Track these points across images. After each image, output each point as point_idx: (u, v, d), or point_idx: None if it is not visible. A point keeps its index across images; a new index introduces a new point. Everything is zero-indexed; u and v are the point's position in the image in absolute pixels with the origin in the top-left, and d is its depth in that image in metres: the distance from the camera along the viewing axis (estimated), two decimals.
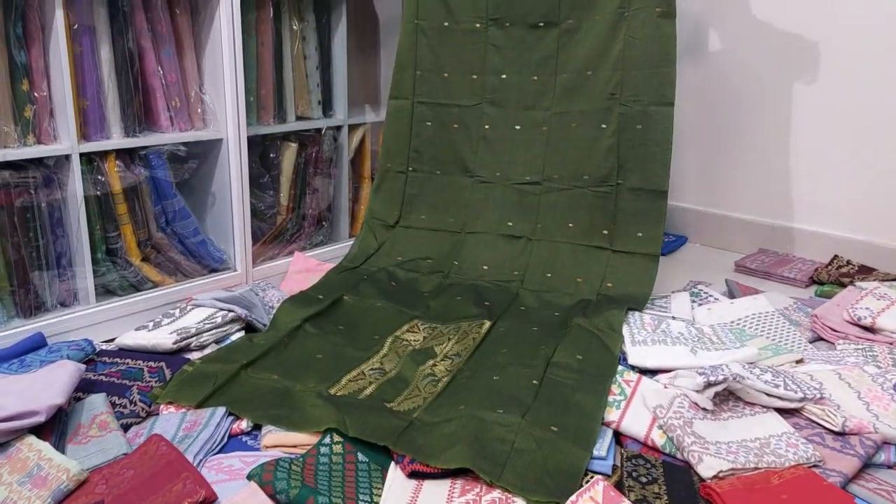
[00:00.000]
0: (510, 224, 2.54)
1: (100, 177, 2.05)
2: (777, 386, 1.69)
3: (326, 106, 2.68)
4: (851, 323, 2.15)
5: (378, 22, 2.97)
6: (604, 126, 2.41)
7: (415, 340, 2.07)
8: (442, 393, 1.79)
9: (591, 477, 1.46)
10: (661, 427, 1.61)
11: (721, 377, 1.65)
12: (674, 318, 2.21)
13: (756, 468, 1.47)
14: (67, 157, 1.97)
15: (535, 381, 1.81)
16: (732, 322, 2.20)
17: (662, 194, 2.37)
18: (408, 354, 1.98)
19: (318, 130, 2.64)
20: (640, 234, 2.39)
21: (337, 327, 2.13)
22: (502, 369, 1.88)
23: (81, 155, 1.99)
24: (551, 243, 2.49)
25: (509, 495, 1.40)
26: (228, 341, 2.03)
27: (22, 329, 1.94)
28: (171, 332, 1.98)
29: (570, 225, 2.47)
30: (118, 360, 1.90)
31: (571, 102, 2.47)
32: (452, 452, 1.50)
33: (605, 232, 2.42)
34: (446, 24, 2.55)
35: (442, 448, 1.52)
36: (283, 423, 1.62)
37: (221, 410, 1.67)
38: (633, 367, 1.90)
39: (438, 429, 1.60)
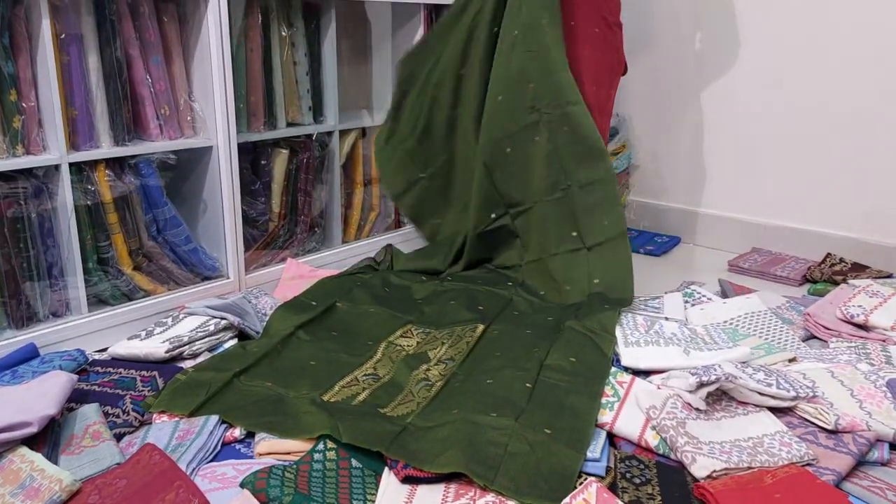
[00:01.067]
0: (497, 261, 2.66)
1: (90, 186, 2.04)
2: (770, 385, 1.69)
3: (317, 111, 2.67)
4: (844, 321, 2.16)
5: (369, 27, 2.96)
6: (537, 139, 2.44)
7: (408, 346, 2.06)
8: (435, 398, 1.79)
9: (585, 479, 1.46)
10: (654, 428, 1.61)
11: (714, 377, 1.66)
12: (667, 318, 2.21)
13: (749, 467, 1.48)
14: (57, 167, 1.96)
15: (528, 385, 1.81)
16: (725, 322, 2.20)
17: (610, 180, 2.37)
18: (401, 360, 1.97)
19: (309, 136, 2.63)
20: (606, 223, 2.38)
21: (330, 333, 2.13)
22: (496, 373, 1.88)
23: (71, 165, 1.99)
24: (536, 263, 2.52)
25: (503, 499, 1.40)
26: (221, 349, 2.03)
27: (14, 340, 1.93)
28: (164, 341, 1.97)
29: (541, 241, 2.50)
30: (111, 369, 1.90)
31: (500, 128, 2.51)
32: (446, 457, 1.49)
33: (575, 234, 2.43)
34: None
35: (435, 453, 1.51)
36: (277, 431, 1.62)
37: (214, 419, 1.66)
38: (626, 369, 1.90)
39: (432, 433, 1.60)
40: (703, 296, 2.42)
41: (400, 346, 2.06)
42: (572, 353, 1.98)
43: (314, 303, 2.27)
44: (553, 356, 1.96)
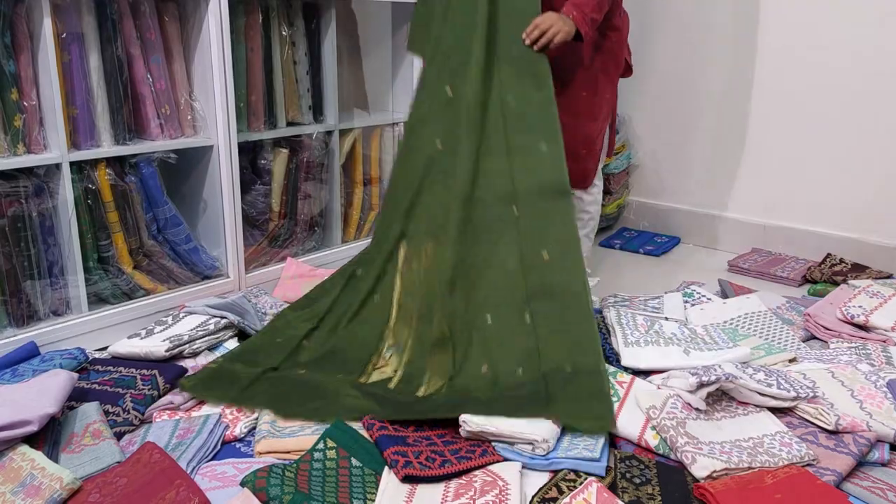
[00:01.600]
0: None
1: (90, 185, 2.04)
2: (770, 385, 1.69)
3: (317, 111, 2.67)
4: (844, 321, 2.16)
5: (369, 26, 2.96)
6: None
7: (409, 291, 2.11)
8: (456, 365, 1.91)
9: (585, 478, 1.46)
10: (654, 428, 1.62)
11: (714, 377, 1.66)
12: (667, 318, 2.21)
13: (750, 468, 1.48)
14: (58, 165, 1.96)
15: (527, 319, 1.95)
16: (725, 322, 2.20)
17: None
18: (416, 322, 2.03)
19: (309, 136, 2.63)
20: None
21: (347, 316, 2.15)
22: (493, 308, 2.00)
23: (72, 163, 1.99)
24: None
25: (507, 496, 1.40)
26: (222, 348, 2.03)
27: (14, 338, 1.93)
28: (164, 340, 1.97)
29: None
30: (111, 368, 1.90)
31: None
32: (497, 407, 1.66)
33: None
34: None
35: (486, 409, 1.65)
36: (321, 416, 1.69)
37: (215, 417, 1.67)
38: (626, 369, 1.90)
39: (473, 399, 1.76)
40: (703, 296, 2.42)
41: (407, 307, 2.09)
42: (541, 243, 2.02)
43: (333, 289, 2.27)
44: (527, 260, 2.02)
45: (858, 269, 2.66)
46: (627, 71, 2.49)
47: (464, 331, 1.98)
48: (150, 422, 1.69)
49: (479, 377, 1.85)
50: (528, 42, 2.13)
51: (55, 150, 1.96)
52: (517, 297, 1.99)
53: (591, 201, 2.53)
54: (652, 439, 1.59)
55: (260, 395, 1.79)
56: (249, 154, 2.51)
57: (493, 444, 1.58)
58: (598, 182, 2.53)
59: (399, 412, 1.70)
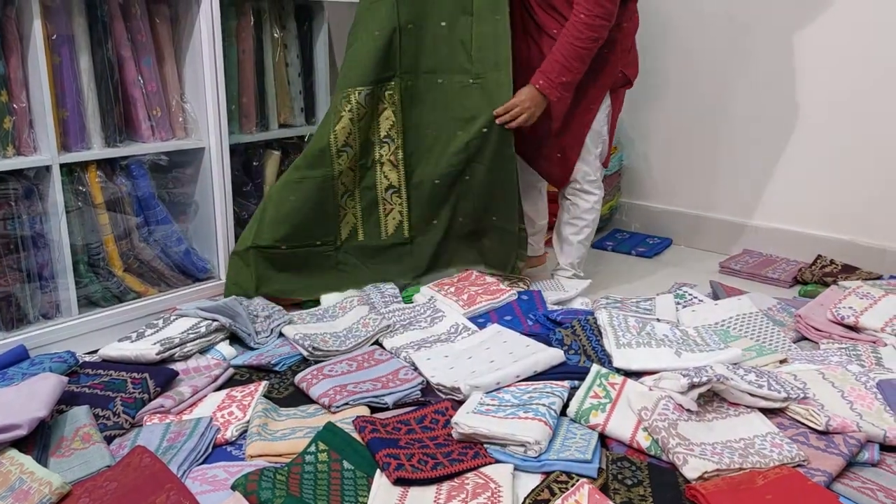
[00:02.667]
0: None
1: (81, 187, 2.04)
2: (761, 386, 1.69)
3: (309, 113, 2.67)
4: (835, 322, 2.16)
5: None
6: None
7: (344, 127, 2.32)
8: (411, 203, 2.46)
9: (577, 480, 1.46)
10: (646, 429, 1.62)
11: (705, 378, 1.66)
12: (658, 320, 2.21)
13: (741, 469, 1.48)
14: (48, 168, 1.96)
15: (466, 176, 2.41)
16: (717, 323, 2.20)
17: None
18: (354, 162, 2.39)
19: (301, 137, 2.63)
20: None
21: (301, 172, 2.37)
22: (434, 160, 2.42)
23: (62, 166, 1.98)
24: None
25: (497, 498, 1.40)
26: (213, 351, 2.03)
27: (3, 342, 1.92)
28: (155, 343, 1.97)
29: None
30: (101, 371, 1.89)
31: None
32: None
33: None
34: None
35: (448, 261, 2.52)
36: (306, 293, 2.37)
37: (206, 420, 1.66)
38: (618, 370, 1.90)
39: (436, 255, 2.50)
40: (695, 297, 2.42)
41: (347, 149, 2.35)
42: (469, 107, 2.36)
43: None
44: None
45: (849, 271, 2.67)
46: (626, 84, 2.46)
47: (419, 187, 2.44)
48: (141, 425, 1.69)
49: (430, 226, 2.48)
50: (498, 122, 2.33)
51: (45, 152, 1.95)
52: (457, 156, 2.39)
53: (587, 209, 2.52)
54: (644, 440, 1.60)
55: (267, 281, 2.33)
56: (241, 156, 2.51)
57: (485, 446, 1.58)
58: (597, 191, 2.52)
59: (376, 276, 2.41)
